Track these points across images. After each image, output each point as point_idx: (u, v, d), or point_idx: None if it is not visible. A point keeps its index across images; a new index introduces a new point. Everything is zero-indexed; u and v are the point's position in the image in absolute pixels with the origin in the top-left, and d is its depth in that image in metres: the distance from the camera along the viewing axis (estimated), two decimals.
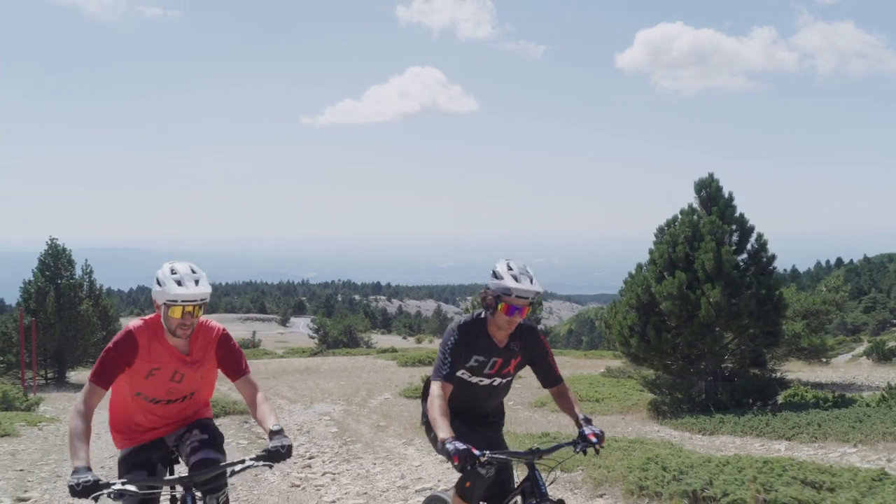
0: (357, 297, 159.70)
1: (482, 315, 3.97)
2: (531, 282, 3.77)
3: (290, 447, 3.45)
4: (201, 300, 3.62)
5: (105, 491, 3.17)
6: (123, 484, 3.22)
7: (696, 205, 12.19)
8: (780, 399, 12.12)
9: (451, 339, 3.93)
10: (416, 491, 6.50)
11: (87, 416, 3.49)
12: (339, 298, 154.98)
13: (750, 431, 9.60)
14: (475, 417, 4.11)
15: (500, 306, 3.78)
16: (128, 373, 3.72)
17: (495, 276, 3.82)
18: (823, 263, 73.42)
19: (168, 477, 3.47)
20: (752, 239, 11.94)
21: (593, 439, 3.66)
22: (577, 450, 3.70)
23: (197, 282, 3.62)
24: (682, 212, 12.19)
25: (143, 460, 3.82)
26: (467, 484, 3.81)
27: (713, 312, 10.93)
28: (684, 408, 11.37)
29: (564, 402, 3.99)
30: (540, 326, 38.48)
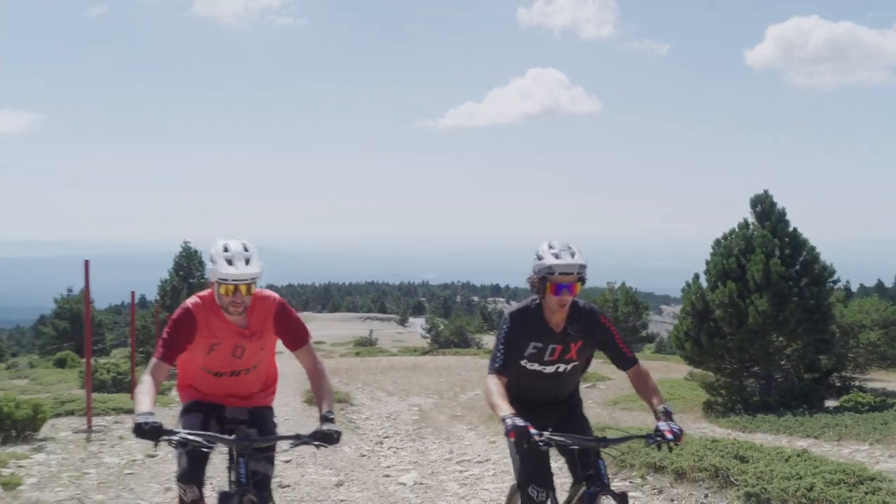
0: (476, 298, 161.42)
1: (536, 300, 3.91)
2: (573, 256, 3.71)
3: (339, 433, 3.58)
4: (251, 279, 3.67)
5: (169, 437, 3.33)
6: (188, 434, 3.40)
7: (751, 219, 13.06)
8: (836, 403, 12.79)
9: (505, 328, 3.88)
10: (457, 462, 8.04)
11: (153, 383, 3.63)
12: (458, 299, 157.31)
13: (783, 430, 10.48)
14: (546, 404, 4.04)
15: (547, 287, 3.73)
16: (190, 349, 3.84)
17: (537, 257, 3.78)
18: None
19: (228, 436, 3.61)
20: (805, 252, 12.71)
21: (669, 436, 3.53)
22: (650, 444, 3.59)
23: (248, 261, 3.67)
24: (738, 225, 13.09)
25: (202, 411, 3.98)
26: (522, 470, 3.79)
27: (760, 320, 11.83)
28: (737, 408, 12.29)
29: (643, 388, 3.86)
30: (651, 331, 38.65)
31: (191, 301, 3.87)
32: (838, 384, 15.81)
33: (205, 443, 3.41)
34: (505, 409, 3.52)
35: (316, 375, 3.86)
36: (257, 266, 3.69)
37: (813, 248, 12.43)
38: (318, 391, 3.81)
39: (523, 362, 3.88)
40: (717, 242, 13.20)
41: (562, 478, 4.88)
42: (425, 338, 49.82)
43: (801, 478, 5.08)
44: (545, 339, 3.85)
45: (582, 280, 3.75)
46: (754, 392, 12.58)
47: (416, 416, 12.68)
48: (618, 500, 3.49)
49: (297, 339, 3.92)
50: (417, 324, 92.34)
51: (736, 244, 12.72)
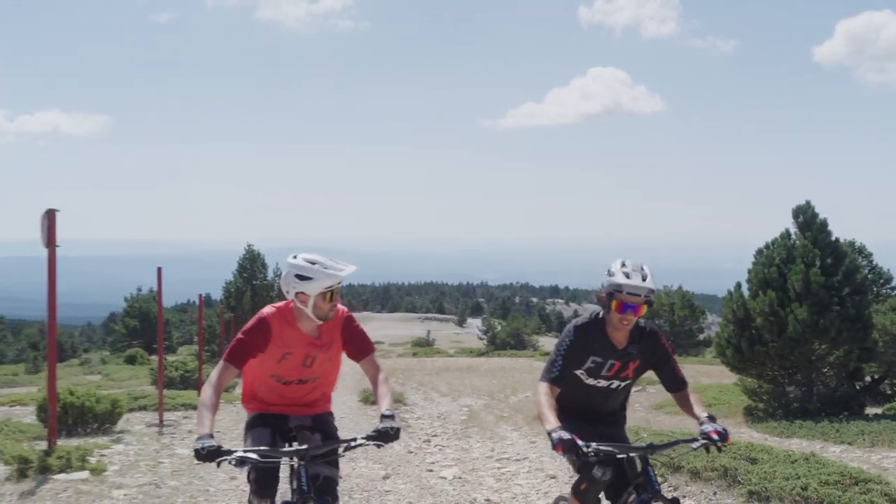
0: (534, 299, 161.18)
1: (600, 315, 3.99)
2: (643, 279, 3.77)
3: (398, 430, 3.68)
4: (339, 284, 3.92)
5: (228, 457, 3.42)
6: (245, 452, 3.49)
7: (793, 229, 13.34)
8: (880, 411, 13.00)
9: (567, 340, 3.97)
10: (497, 459, 8.70)
11: (217, 389, 3.77)
12: (517, 300, 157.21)
13: (819, 436, 10.79)
14: (592, 415, 4.12)
15: (612, 304, 3.81)
16: (261, 357, 4.02)
17: (608, 273, 3.86)
18: None
19: (286, 449, 3.72)
20: (847, 262, 12.95)
21: (715, 437, 3.61)
22: (696, 447, 3.66)
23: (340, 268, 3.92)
24: (780, 235, 13.39)
25: (267, 424, 4.13)
26: (582, 486, 3.85)
27: (800, 328, 12.14)
28: (777, 414, 12.62)
29: (686, 404, 3.95)
30: (708, 334, 38.29)
31: (267, 311, 4.05)
32: (889, 391, 15.86)
33: (261, 459, 3.53)
34: (552, 422, 3.62)
35: (378, 381, 4.01)
36: (349, 269, 3.93)
37: (854, 259, 12.66)
38: (379, 392, 3.95)
39: (579, 372, 3.98)
40: (759, 252, 13.52)
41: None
42: (482, 339, 50.52)
43: (798, 478, 5.59)
44: (605, 355, 3.95)
45: (649, 303, 3.80)
46: (796, 398, 12.87)
47: (465, 416, 13.35)
48: None
49: (361, 350, 4.12)
50: (475, 325, 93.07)
51: (777, 254, 13.03)
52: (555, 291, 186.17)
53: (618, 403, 4.22)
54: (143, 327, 43.16)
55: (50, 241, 7.55)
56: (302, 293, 3.88)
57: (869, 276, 20.61)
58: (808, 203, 13.21)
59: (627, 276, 3.74)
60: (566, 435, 3.45)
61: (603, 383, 4.00)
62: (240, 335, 3.94)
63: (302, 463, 3.64)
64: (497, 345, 47.81)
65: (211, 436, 3.48)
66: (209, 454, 3.37)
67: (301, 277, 3.85)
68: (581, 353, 3.92)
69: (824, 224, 13.03)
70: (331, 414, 4.37)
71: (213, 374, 3.86)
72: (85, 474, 7.23)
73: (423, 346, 51.40)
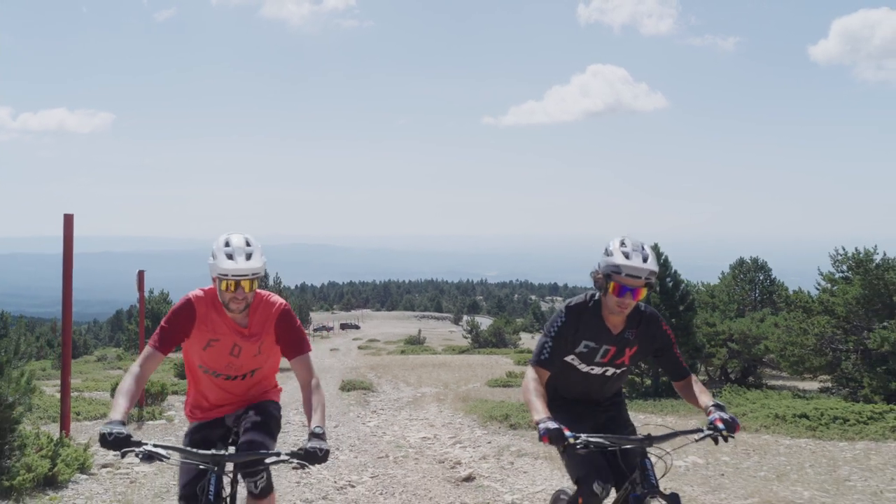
0: (533, 297, 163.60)
1: (596, 297, 3.73)
2: (644, 260, 3.50)
3: (327, 452, 3.28)
4: (252, 275, 3.53)
5: (136, 449, 3.08)
6: (154, 445, 3.10)
7: None
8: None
9: (558, 322, 3.71)
10: (409, 420, 12.64)
11: (138, 377, 3.48)
12: (515, 298, 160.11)
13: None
14: (586, 404, 3.92)
15: (610, 286, 3.55)
16: (187, 343, 3.76)
17: (606, 252, 3.58)
18: None
19: (201, 451, 3.31)
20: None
21: (721, 426, 3.36)
22: (700, 438, 3.41)
23: (249, 256, 3.54)
24: None
25: (204, 437, 3.83)
26: (580, 500, 3.56)
27: None
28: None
29: (690, 393, 3.73)
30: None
31: (193, 293, 3.78)
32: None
33: (168, 457, 3.14)
34: (540, 411, 3.37)
35: (308, 389, 3.64)
36: (259, 261, 3.57)
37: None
38: (309, 405, 3.58)
39: (570, 359, 3.75)
40: None
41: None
42: (466, 337, 52.74)
43: None
44: (599, 340, 3.70)
45: (649, 286, 3.57)
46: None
47: (414, 399, 17.23)
48: (669, 502, 3.28)
49: (295, 347, 3.78)
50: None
51: None
52: (554, 289, 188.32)
53: (614, 391, 4.03)
54: (155, 327, 46.10)
55: (67, 244, 7.71)
56: (210, 272, 3.64)
57: (766, 286, 24.61)
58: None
59: (627, 256, 3.49)
60: (552, 425, 3.23)
61: (597, 370, 3.78)
62: (164, 318, 3.71)
63: (214, 469, 3.32)
64: (481, 342, 49.87)
65: (122, 423, 3.18)
66: (115, 442, 3.08)
67: (211, 255, 3.60)
68: (573, 336, 3.69)
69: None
70: (275, 403, 4.09)
71: (137, 360, 3.61)
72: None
73: (414, 344, 53.59)
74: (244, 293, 3.62)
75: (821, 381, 16.49)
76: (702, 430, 3.44)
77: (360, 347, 48.87)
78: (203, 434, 3.91)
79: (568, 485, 4.09)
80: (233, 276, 3.53)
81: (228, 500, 3.58)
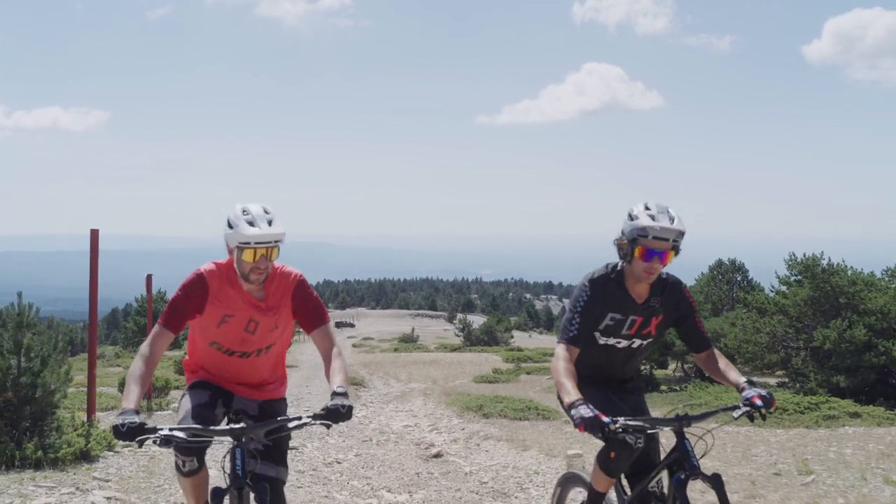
0: (528, 295, 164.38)
1: (618, 266, 3.59)
2: (672, 221, 3.34)
3: (350, 408, 3.27)
4: (275, 241, 3.44)
5: (152, 436, 3.03)
6: (171, 430, 3.08)
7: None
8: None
9: (583, 296, 3.56)
10: (396, 411, 13.81)
11: (149, 360, 3.38)
12: (510, 296, 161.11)
13: None
14: (612, 383, 3.77)
15: (636, 251, 3.38)
16: (199, 320, 3.60)
17: (630, 217, 3.42)
18: None
19: (219, 427, 3.27)
20: None
21: (758, 402, 3.22)
22: (739, 415, 3.28)
23: (270, 222, 3.43)
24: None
25: (209, 388, 3.72)
26: (612, 455, 3.43)
27: None
28: None
29: (715, 367, 3.57)
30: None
31: (205, 267, 3.61)
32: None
33: (189, 439, 3.14)
34: (571, 393, 3.23)
35: (331, 355, 3.59)
36: (281, 227, 3.46)
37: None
38: (332, 366, 3.55)
39: (596, 335, 3.63)
40: None
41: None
42: (458, 336, 53.65)
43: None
44: (625, 311, 3.60)
45: (676, 250, 3.41)
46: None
47: (402, 393, 18.38)
48: (711, 483, 3.20)
49: (315, 319, 3.68)
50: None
51: None
52: (548, 288, 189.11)
53: (637, 367, 3.95)
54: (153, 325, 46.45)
55: (93, 256, 8.01)
56: (227, 244, 3.52)
57: (743, 286, 25.77)
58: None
59: (653, 217, 3.34)
60: (588, 413, 3.07)
61: (623, 343, 3.66)
62: (174, 295, 3.54)
63: (237, 444, 3.24)
64: (472, 341, 50.56)
65: (136, 411, 3.10)
66: (129, 432, 2.99)
67: (228, 224, 3.48)
68: (599, 310, 3.57)
69: None
70: (283, 401, 3.97)
71: (146, 341, 3.48)
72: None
73: (408, 342, 54.15)
74: (265, 262, 3.51)
75: (777, 377, 17.71)
76: (739, 407, 3.34)
77: (354, 345, 49.08)
78: (210, 390, 3.77)
79: (581, 467, 3.91)
80: (255, 243, 3.42)
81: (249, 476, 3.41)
